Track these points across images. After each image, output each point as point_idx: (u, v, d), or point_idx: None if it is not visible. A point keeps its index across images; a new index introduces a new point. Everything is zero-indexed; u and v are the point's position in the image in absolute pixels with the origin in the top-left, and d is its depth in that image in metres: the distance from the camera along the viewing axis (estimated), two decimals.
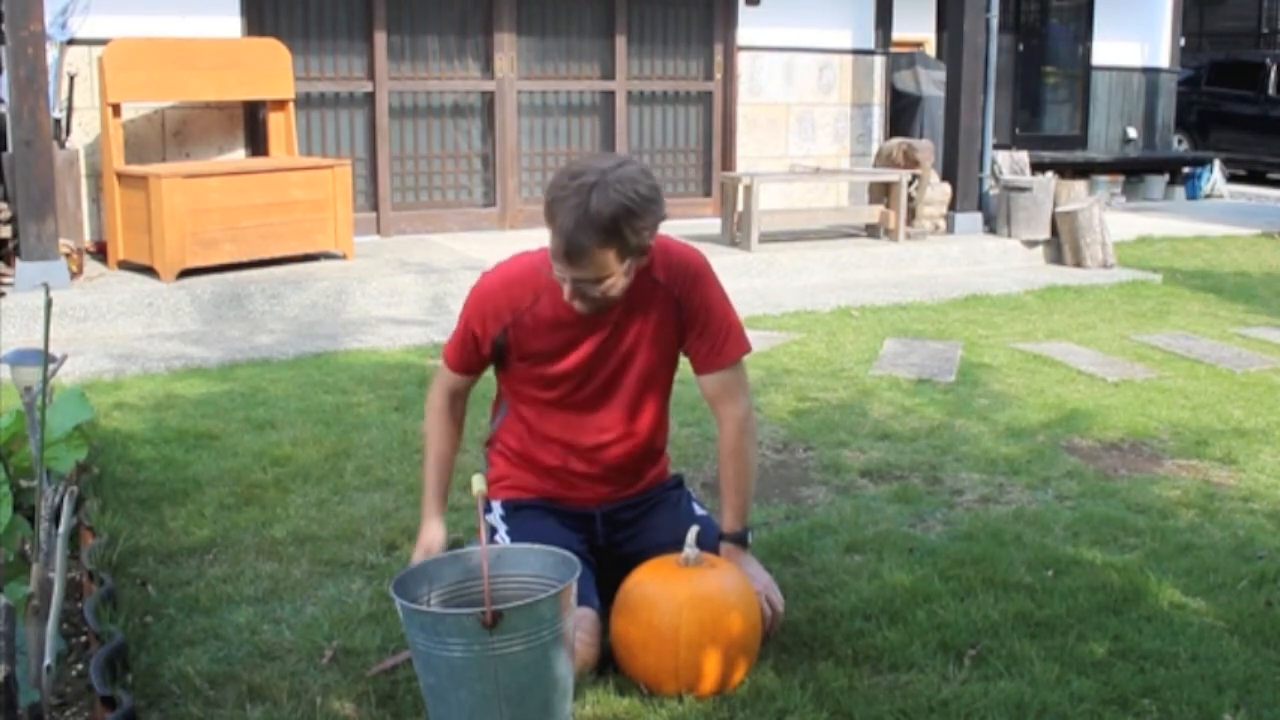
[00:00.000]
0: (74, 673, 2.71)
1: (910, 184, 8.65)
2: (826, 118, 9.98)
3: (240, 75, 7.51)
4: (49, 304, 2.58)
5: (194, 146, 7.85)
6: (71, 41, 7.29)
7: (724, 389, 2.90)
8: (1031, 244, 8.79)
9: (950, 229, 8.99)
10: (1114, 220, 9.95)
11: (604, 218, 2.55)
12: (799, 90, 9.83)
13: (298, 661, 2.78)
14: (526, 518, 2.90)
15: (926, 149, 8.76)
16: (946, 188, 8.95)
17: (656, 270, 2.82)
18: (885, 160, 8.98)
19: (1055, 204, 8.69)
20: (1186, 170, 13.70)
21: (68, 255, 6.56)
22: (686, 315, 2.85)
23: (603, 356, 2.83)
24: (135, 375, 5.47)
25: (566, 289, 2.67)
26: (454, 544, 3.39)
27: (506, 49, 8.78)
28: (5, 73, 6.42)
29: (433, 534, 2.89)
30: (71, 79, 7.14)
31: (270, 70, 7.58)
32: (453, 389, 2.96)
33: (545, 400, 2.88)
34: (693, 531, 2.70)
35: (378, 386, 5.23)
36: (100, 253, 7.28)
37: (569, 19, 9.03)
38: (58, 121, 6.95)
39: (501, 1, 8.72)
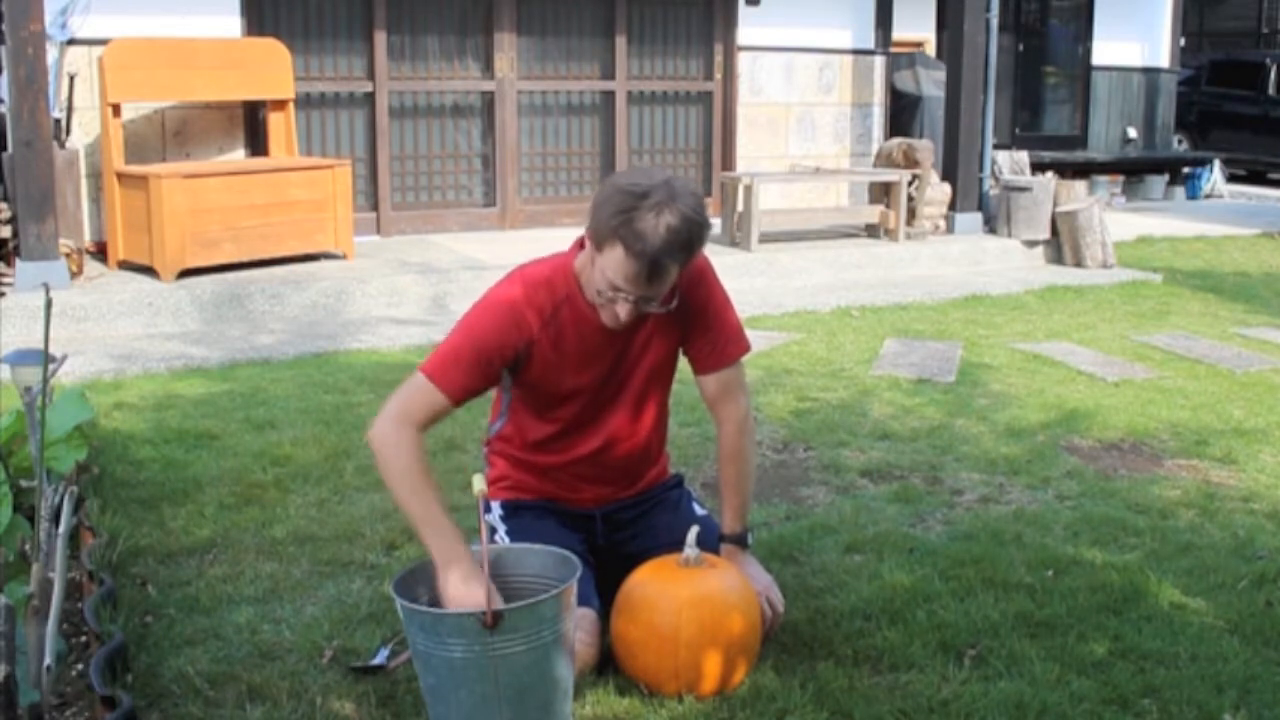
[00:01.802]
0: (74, 673, 2.71)
1: (910, 184, 8.66)
2: (826, 118, 9.98)
3: (240, 75, 7.51)
4: (49, 304, 2.58)
5: (194, 146, 7.85)
6: (71, 41, 7.29)
7: (724, 389, 2.91)
8: (1031, 244, 8.79)
9: (950, 229, 8.99)
10: (1114, 220, 9.95)
11: (684, 235, 2.55)
12: (799, 90, 9.83)
13: (298, 661, 2.78)
14: (526, 518, 2.90)
15: (926, 149, 8.76)
16: (946, 188, 8.96)
17: None
18: (885, 160, 8.98)
19: (1055, 204, 8.70)
20: (1186, 170, 13.69)
21: (68, 255, 6.56)
22: (690, 315, 2.86)
23: (617, 366, 2.83)
24: (135, 375, 5.47)
25: (624, 308, 2.62)
26: None
27: (506, 49, 8.78)
28: (5, 73, 6.42)
29: (464, 569, 2.46)
30: (71, 79, 7.14)
31: (270, 70, 7.58)
32: (436, 415, 2.65)
33: (555, 408, 2.86)
34: (693, 532, 2.70)
35: (378, 386, 5.23)
36: (100, 253, 7.28)
37: (569, 19, 9.03)
38: (58, 121, 6.95)
39: (501, 1, 8.72)
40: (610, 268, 2.57)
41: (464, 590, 2.43)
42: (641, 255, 2.52)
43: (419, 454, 2.57)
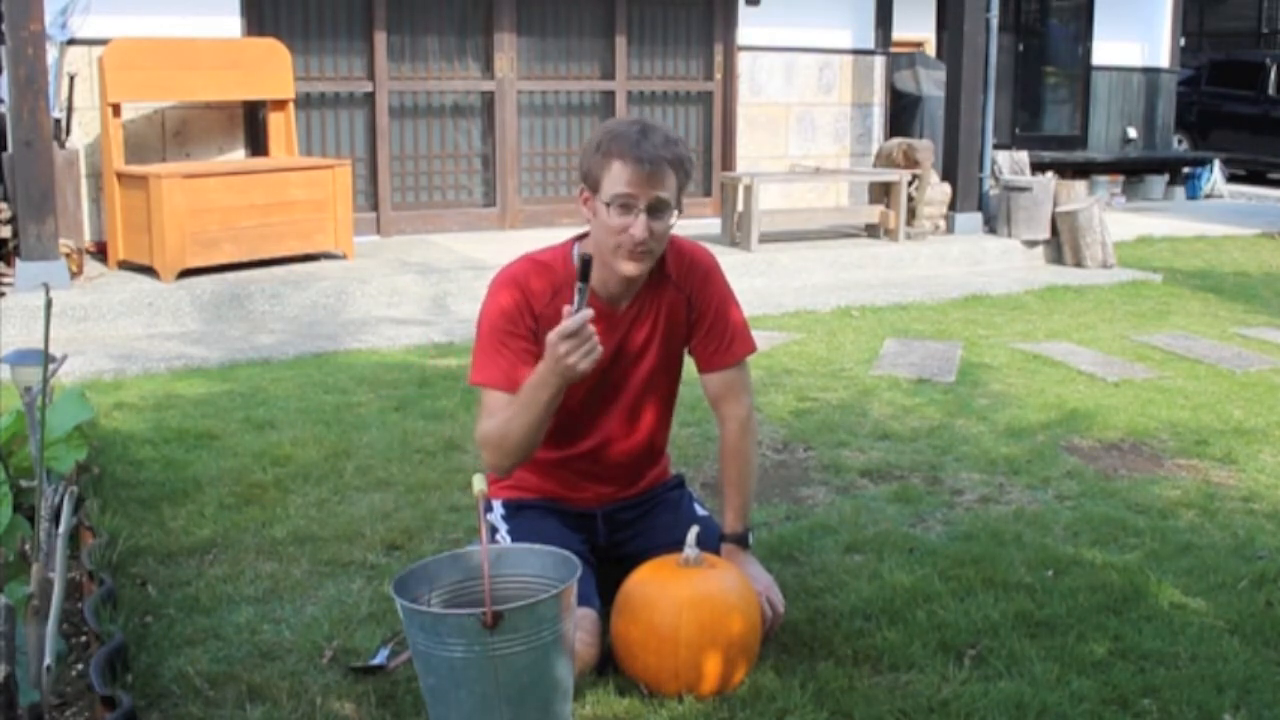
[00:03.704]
0: (74, 673, 2.71)
1: (910, 184, 8.66)
2: (826, 118, 9.99)
3: (240, 75, 7.52)
4: (49, 304, 2.57)
5: (194, 146, 7.85)
6: (71, 41, 7.29)
7: (728, 388, 2.91)
8: (1031, 244, 8.79)
9: (950, 229, 8.99)
10: (1114, 220, 9.95)
11: (670, 140, 2.65)
12: (799, 90, 9.83)
13: (298, 661, 2.78)
14: (528, 517, 2.90)
15: (926, 149, 8.76)
16: (946, 188, 8.96)
17: (669, 266, 2.84)
18: (885, 160, 8.98)
19: (1055, 204, 8.70)
20: (1186, 170, 13.70)
21: (68, 255, 6.56)
22: (696, 312, 2.88)
23: (615, 357, 2.83)
24: (135, 375, 5.47)
25: (639, 225, 2.63)
26: (454, 544, 3.40)
27: (506, 49, 8.78)
28: (5, 73, 6.42)
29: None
30: (71, 79, 7.14)
31: (270, 70, 7.58)
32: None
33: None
34: (693, 532, 2.70)
35: (378, 386, 5.23)
36: (100, 253, 7.28)
37: (569, 19, 9.03)
38: (58, 121, 6.95)
39: (501, 1, 8.72)
40: (611, 184, 2.65)
41: (562, 347, 2.48)
42: (637, 159, 2.61)
43: (502, 412, 2.69)
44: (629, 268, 2.70)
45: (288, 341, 6.11)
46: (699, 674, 2.58)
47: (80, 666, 2.71)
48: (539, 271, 2.79)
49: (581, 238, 2.82)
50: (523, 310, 2.75)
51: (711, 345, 2.90)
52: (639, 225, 2.64)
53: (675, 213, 2.70)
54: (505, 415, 2.67)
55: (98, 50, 7.15)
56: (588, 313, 2.49)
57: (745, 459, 2.93)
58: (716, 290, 2.90)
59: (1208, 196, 13.60)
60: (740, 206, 8.19)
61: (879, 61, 10.12)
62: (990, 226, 9.11)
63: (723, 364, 2.90)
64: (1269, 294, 7.95)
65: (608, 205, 2.65)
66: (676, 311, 2.87)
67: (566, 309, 2.51)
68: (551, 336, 2.50)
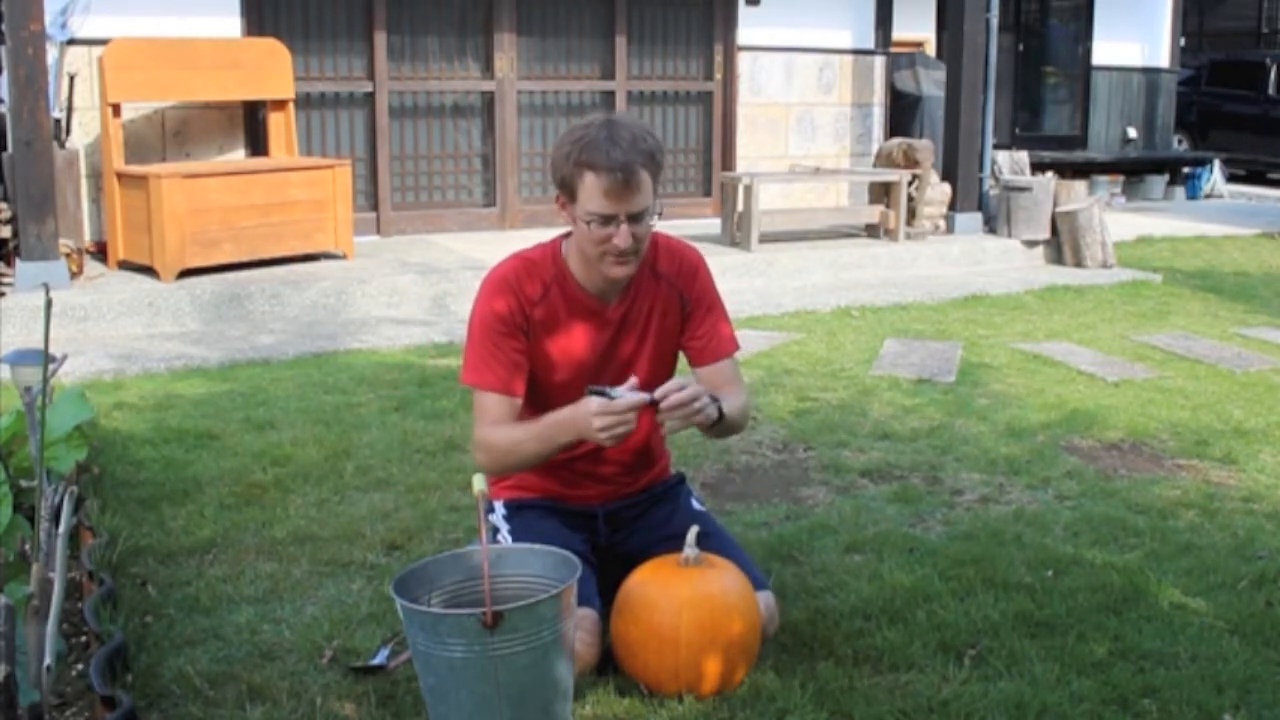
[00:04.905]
0: (74, 673, 2.71)
1: (910, 184, 8.66)
2: (826, 118, 9.98)
3: (240, 75, 7.52)
4: (49, 304, 2.57)
5: (194, 146, 7.85)
6: (71, 41, 7.29)
7: (725, 380, 2.92)
8: (1031, 244, 8.79)
9: (950, 229, 8.99)
10: (1114, 220, 9.96)
11: (641, 141, 2.62)
12: (799, 90, 9.83)
13: (298, 661, 2.78)
14: (529, 517, 2.90)
15: (926, 149, 8.76)
16: (946, 188, 8.95)
17: (661, 265, 2.85)
18: (885, 160, 8.98)
19: (1055, 204, 8.70)
20: (1186, 170, 13.69)
21: (68, 255, 6.56)
22: (689, 307, 2.89)
23: (608, 358, 2.83)
24: (135, 375, 5.47)
25: (622, 235, 2.62)
26: (454, 544, 3.40)
27: (506, 49, 8.78)
28: (5, 73, 6.42)
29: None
30: (71, 79, 7.14)
31: (270, 70, 7.58)
32: (510, 410, 2.75)
33: (548, 400, 2.86)
34: (693, 532, 2.70)
35: (378, 386, 5.23)
36: (100, 253, 7.28)
37: (569, 19, 9.03)
38: (58, 121, 6.95)
39: (501, 1, 8.72)
40: (588, 199, 2.62)
41: (600, 419, 2.53)
42: (607, 167, 2.58)
43: (510, 427, 2.73)
44: (617, 272, 2.72)
45: (288, 341, 6.11)
46: (699, 674, 2.58)
47: (80, 666, 2.71)
48: (529, 271, 2.80)
49: (570, 234, 2.82)
50: (515, 314, 2.77)
51: (703, 339, 2.91)
52: (622, 235, 2.64)
53: (656, 215, 2.70)
54: (517, 437, 2.71)
55: (98, 50, 7.15)
56: (640, 399, 2.53)
57: (738, 410, 2.85)
58: (706, 284, 2.92)
59: (1208, 196, 13.60)
60: (740, 206, 8.19)
61: (879, 61, 10.12)
62: (990, 226, 9.11)
63: (717, 356, 2.91)
64: (1269, 294, 7.95)
65: (588, 223, 2.64)
66: (670, 309, 2.87)
67: (631, 385, 2.57)
68: (595, 403, 2.55)
